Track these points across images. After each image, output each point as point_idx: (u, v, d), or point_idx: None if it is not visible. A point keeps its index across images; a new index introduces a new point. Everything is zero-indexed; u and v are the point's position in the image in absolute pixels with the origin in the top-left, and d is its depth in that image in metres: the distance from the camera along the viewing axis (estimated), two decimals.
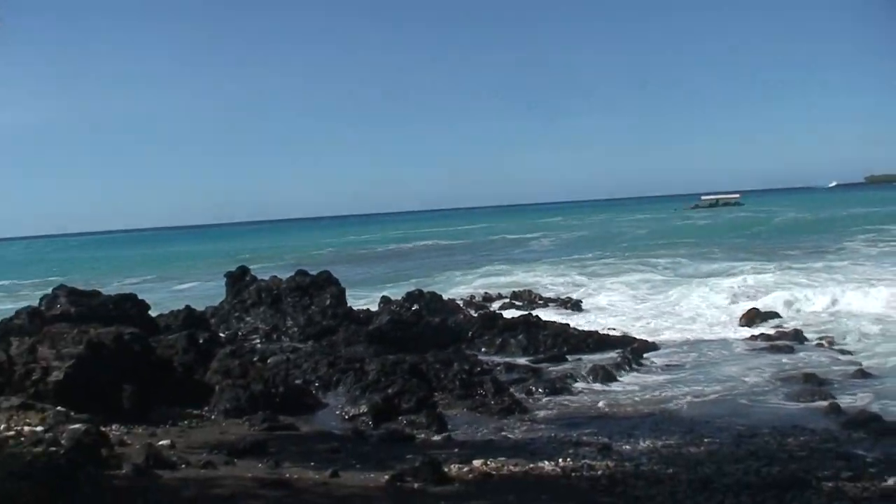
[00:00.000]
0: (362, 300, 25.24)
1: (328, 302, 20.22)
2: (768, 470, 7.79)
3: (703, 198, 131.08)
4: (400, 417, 11.48)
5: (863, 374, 14.08)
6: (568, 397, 13.51)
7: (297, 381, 13.56)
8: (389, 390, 12.01)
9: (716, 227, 70.06)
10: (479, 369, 14.82)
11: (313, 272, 22.18)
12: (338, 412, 12.15)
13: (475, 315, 21.44)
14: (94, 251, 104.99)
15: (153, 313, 18.54)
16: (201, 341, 13.86)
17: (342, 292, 21.02)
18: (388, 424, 11.20)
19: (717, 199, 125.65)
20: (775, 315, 20.99)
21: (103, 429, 9.84)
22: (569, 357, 16.74)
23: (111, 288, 27.67)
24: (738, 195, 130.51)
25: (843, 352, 16.33)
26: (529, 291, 27.82)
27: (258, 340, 18.97)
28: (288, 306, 20.41)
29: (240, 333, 19.60)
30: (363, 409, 11.73)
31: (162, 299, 27.50)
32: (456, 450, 9.55)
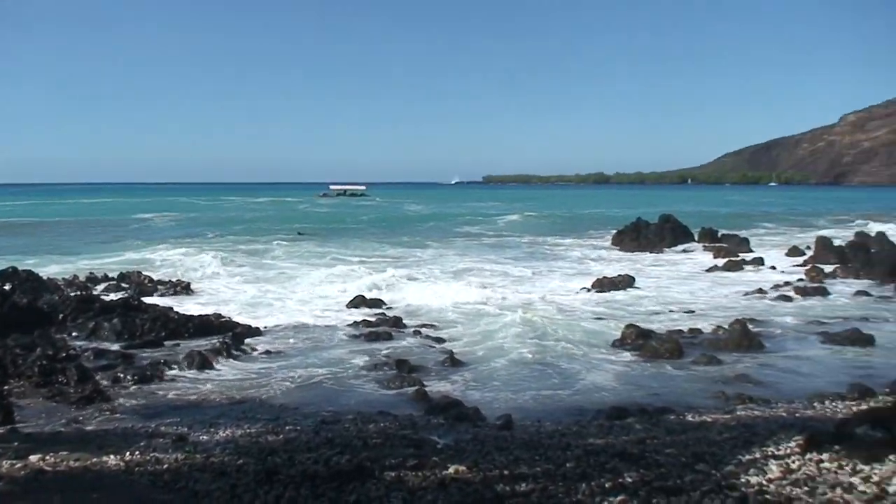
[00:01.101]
0: None
1: None
2: (338, 459, 7.75)
3: (331, 187, 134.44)
4: None
5: (453, 361, 14.65)
6: (158, 385, 12.86)
7: None
8: None
9: (340, 214, 71.79)
10: (64, 355, 13.79)
11: None
12: None
13: (73, 296, 20.05)
14: None
15: None
16: None
17: None
18: None
19: (346, 190, 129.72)
20: (380, 302, 21.56)
21: None
22: (167, 343, 16.07)
23: None
24: (364, 187, 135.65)
25: (438, 339, 16.93)
26: (139, 273, 26.52)
27: None
28: None
29: None
30: None
31: None
32: (16, 443, 8.72)
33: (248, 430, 9.54)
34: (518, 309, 19.84)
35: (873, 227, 45.38)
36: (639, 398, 12.19)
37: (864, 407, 10.67)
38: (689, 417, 10.10)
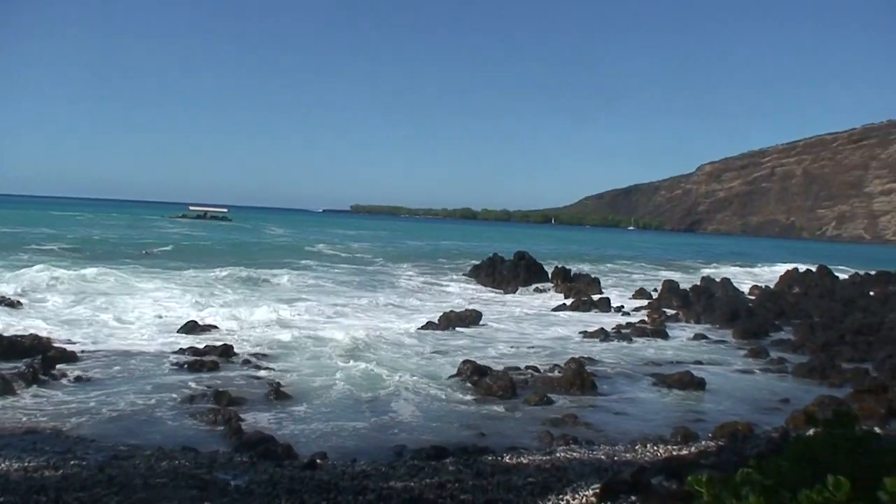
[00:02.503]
0: None
1: None
2: (108, 500, 7.11)
3: (191, 208, 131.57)
4: None
5: (278, 394, 13.99)
6: None
7: None
8: None
9: (195, 235, 70.19)
10: None
11: None
12: None
13: None
14: None
15: None
16: None
17: None
18: None
19: (206, 212, 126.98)
20: (214, 328, 20.75)
21: None
22: None
23: None
24: (225, 209, 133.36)
25: (267, 370, 16.27)
26: None
27: None
28: None
29: None
30: None
31: None
32: None
33: (27, 464, 8.76)
34: (357, 340, 19.35)
35: (720, 273, 46.84)
36: (464, 437, 11.89)
37: (684, 452, 10.60)
38: (507, 459, 9.83)
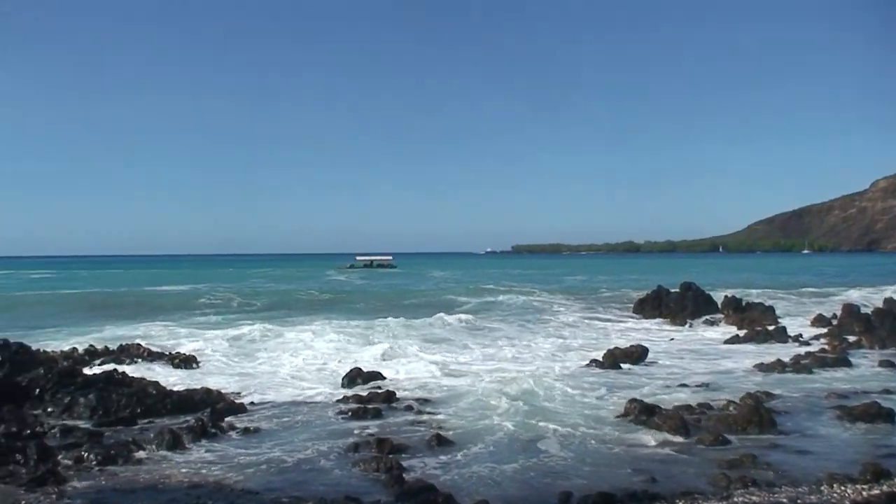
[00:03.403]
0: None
1: None
2: None
3: (357, 258, 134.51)
4: None
5: (440, 440, 13.80)
6: (121, 467, 12.09)
7: None
8: None
9: (363, 285, 71.38)
10: (27, 432, 13.16)
11: None
12: None
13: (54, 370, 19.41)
14: None
15: None
16: None
17: None
18: None
19: (372, 261, 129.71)
20: (378, 375, 20.79)
21: None
22: (143, 420, 15.38)
23: None
24: (390, 257, 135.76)
25: (430, 415, 16.14)
26: (138, 345, 26.03)
27: None
28: None
29: None
30: None
31: None
32: None
33: None
34: (519, 382, 18.98)
35: None
36: (633, 482, 11.35)
37: (875, 491, 9.81)
38: None
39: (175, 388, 18.00)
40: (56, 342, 27.67)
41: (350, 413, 16.19)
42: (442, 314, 38.37)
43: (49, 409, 16.15)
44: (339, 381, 20.42)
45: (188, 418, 15.16)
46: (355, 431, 14.67)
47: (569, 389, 18.48)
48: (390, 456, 12.62)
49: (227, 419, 15.33)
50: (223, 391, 18.27)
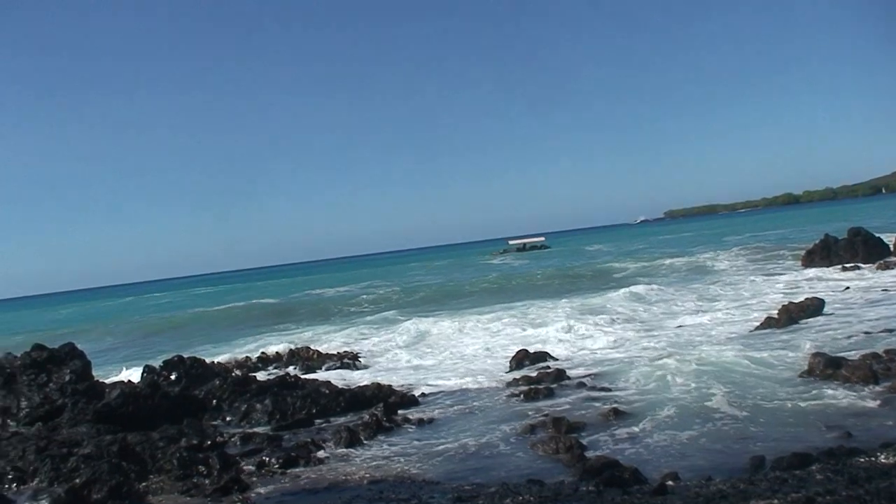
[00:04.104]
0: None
1: (67, 378, 18.25)
2: None
3: (510, 242, 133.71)
4: None
5: (617, 414, 13.42)
6: (302, 468, 12.20)
7: None
8: (77, 480, 10.44)
9: (519, 267, 71.17)
10: (208, 443, 13.46)
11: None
12: None
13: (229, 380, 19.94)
14: None
15: None
16: None
17: (86, 366, 19.04)
18: None
19: (525, 244, 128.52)
20: (546, 355, 20.47)
21: None
22: (318, 420, 15.57)
23: None
24: (543, 238, 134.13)
25: (603, 391, 15.73)
26: (307, 348, 26.55)
27: None
28: (23, 385, 18.30)
29: None
30: None
31: None
32: None
33: None
34: (694, 347, 18.38)
35: None
36: (828, 440, 10.77)
37: None
38: (882, 458, 8.59)
39: (346, 387, 18.19)
40: (227, 352, 28.47)
41: (522, 395, 15.96)
42: (604, 289, 37.78)
43: (227, 419, 16.57)
44: (507, 364, 20.23)
45: (362, 414, 15.23)
46: (529, 413, 14.42)
47: (746, 350, 17.74)
48: (568, 435, 12.32)
49: (400, 412, 15.34)
50: (393, 385, 18.33)
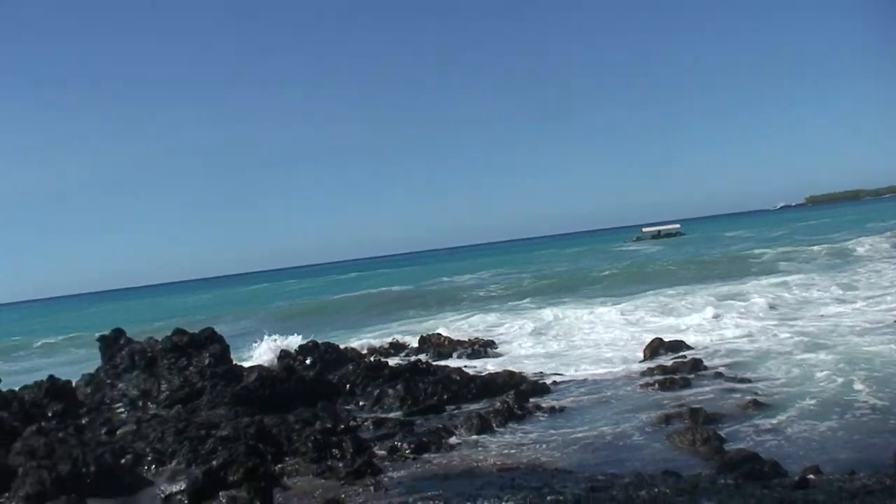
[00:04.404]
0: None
1: (207, 362, 18.75)
2: None
3: (644, 230, 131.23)
4: (222, 493, 10.08)
5: (756, 405, 12.99)
6: (434, 454, 12.22)
7: (129, 456, 12.16)
8: (214, 462, 10.64)
9: (655, 254, 69.97)
10: (342, 427, 13.61)
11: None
12: (157, 491, 10.75)
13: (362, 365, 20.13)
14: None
15: None
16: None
17: (225, 350, 19.52)
18: (208, 503, 9.86)
19: (659, 231, 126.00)
20: (682, 344, 19.99)
21: None
22: (449, 406, 15.56)
23: None
24: (678, 225, 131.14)
25: (742, 381, 15.22)
26: (438, 335, 26.61)
27: (122, 409, 17.50)
28: (163, 369, 18.88)
29: (106, 401, 18.07)
30: (182, 485, 10.35)
31: None
32: None
33: (506, 502, 8.56)
34: (835, 338, 17.67)
35: None
36: None
37: None
38: None
39: (477, 374, 18.15)
40: (360, 338, 28.80)
41: (657, 385, 15.61)
42: (742, 277, 36.71)
43: (360, 403, 16.73)
44: (641, 353, 19.82)
45: (494, 402, 15.13)
46: (665, 403, 14.09)
47: (890, 341, 16.92)
48: (705, 426, 11.96)
49: (532, 400, 15.20)
50: (524, 373, 18.19)
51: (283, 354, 22.22)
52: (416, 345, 26.02)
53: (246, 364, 20.96)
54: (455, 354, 23.63)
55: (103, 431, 14.65)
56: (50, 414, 16.01)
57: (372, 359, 21.76)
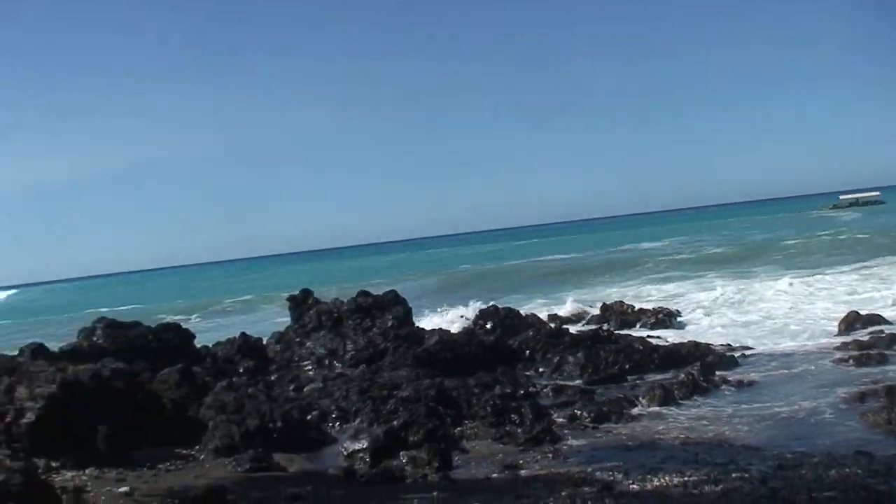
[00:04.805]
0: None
1: (390, 324, 19.09)
2: None
3: (841, 197, 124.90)
4: (402, 453, 10.19)
5: None
6: (614, 424, 12.01)
7: (315, 413, 12.53)
8: (395, 422, 10.76)
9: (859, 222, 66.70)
10: (521, 392, 13.56)
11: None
12: (341, 448, 10.98)
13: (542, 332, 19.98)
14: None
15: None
16: (200, 372, 12.96)
17: (408, 312, 19.82)
18: (388, 462, 9.99)
19: (857, 199, 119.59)
20: (880, 318, 18.90)
21: (76, 473, 9.24)
22: (631, 376, 15.27)
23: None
24: (878, 193, 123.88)
25: None
26: (621, 303, 26.12)
27: (309, 367, 18.08)
28: (349, 329, 19.36)
29: (295, 359, 18.72)
30: (363, 444, 10.52)
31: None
32: (442, 493, 8.29)
33: (687, 479, 8.31)
34: None
35: None
36: None
37: None
38: None
39: (661, 344, 17.74)
40: (540, 305, 28.66)
41: (851, 360, 14.87)
42: None
43: (540, 370, 16.69)
44: (833, 327, 18.90)
45: (678, 373, 14.72)
46: (859, 379, 13.43)
47: None
48: None
49: (718, 373, 14.73)
50: (710, 345, 17.63)
51: (464, 318, 22.44)
52: (597, 312, 25.63)
53: (426, 326, 21.18)
54: (639, 324, 23.18)
55: (291, 388, 15.19)
56: (241, 370, 16.69)
57: (552, 325, 21.62)
